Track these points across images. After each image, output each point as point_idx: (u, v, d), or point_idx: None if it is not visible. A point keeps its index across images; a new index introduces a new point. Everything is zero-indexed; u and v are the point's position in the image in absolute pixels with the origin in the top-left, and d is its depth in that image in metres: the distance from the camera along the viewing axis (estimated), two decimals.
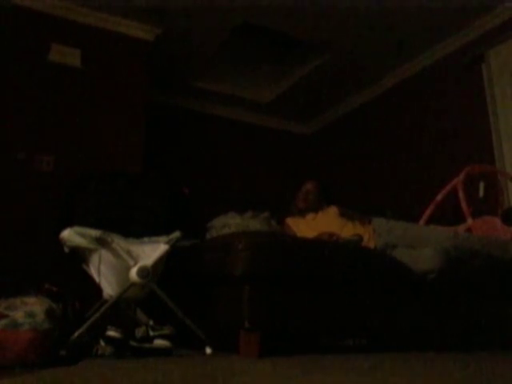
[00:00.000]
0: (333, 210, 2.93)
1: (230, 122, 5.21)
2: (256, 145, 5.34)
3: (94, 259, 1.93)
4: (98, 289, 1.96)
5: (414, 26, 3.87)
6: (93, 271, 1.95)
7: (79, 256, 1.99)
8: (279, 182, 5.08)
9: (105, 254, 1.91)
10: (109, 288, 1.93)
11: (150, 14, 3.75)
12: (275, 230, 2.60)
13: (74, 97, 3.54)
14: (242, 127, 5.28)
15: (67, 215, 2.00)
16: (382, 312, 2.15)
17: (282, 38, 4.11)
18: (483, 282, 2.33)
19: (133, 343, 1.84)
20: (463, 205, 2.92)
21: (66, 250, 1.95)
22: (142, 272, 1.89)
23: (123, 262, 1.91)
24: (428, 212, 3.07)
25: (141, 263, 1.91)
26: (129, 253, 1.92)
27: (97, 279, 1.94)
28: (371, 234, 2.59)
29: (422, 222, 3.04)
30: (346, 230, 2.71)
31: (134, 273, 1.89)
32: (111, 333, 1.83)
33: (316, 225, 2.81)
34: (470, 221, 2.87)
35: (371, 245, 2.51)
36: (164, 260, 2.00)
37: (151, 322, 2.04)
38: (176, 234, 1.99)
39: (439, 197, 3.09)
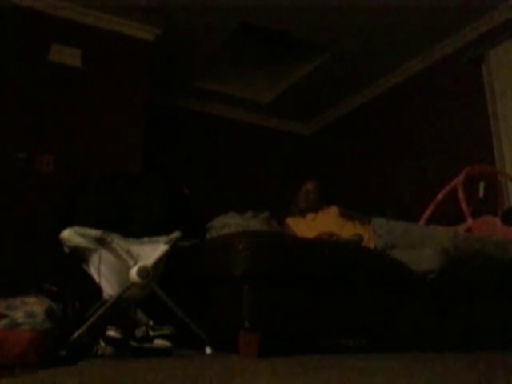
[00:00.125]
0: (333, 210, 2.92)
1: (230, 121, 5.21)
2: (256, 145, 5.34)
3: (94, 259, 1.93)
4: (98, 289, 1.96)
5: (414, 26, 3.87)
6: (93, 271, 1.95)
7: (79, 256, 1.99)
8: (279, 182, 5.09)
9: (105, 253, 1.92)
10: (109, 288, 1.93)
11: (150, 14, 3.75)
12: (275, 230, 2.60)
13: (74, 97, 3.54)
14: (242, 127, 5.28)
15: (67, 215, 1.99)
16: (381, 312, 2.15)
17: (282, 37, 4.11)
18: (483, 282, 2.33)
19: (133, 343, 1.85)
20: (463, 205, 2.92)
21: (66, 250, 1.95)
22: (142, 272, 1.89)
23: (123, 262, 1.91)
24: (428, 212, 3.07)
25: (141, 263, 1.91)
26: (129, 253, 1.92)
27: (97, 279, 1.94)
28: (371, 234, 2.59)
29: (422, 222, 3.04)
30: (346, 230, 2.70)
31: (134, 273, 1.89)
32: (111, 333, 1.83)
33: (316, 225, 2.81)
34: (470, 221, 2.87)
35: (371, 245, 2.51)
36: (164, 260, 2.00)
37: (151, 322, 2.04)
38: (176, 234, 1.99)
39: (439, 197, 3.09)
